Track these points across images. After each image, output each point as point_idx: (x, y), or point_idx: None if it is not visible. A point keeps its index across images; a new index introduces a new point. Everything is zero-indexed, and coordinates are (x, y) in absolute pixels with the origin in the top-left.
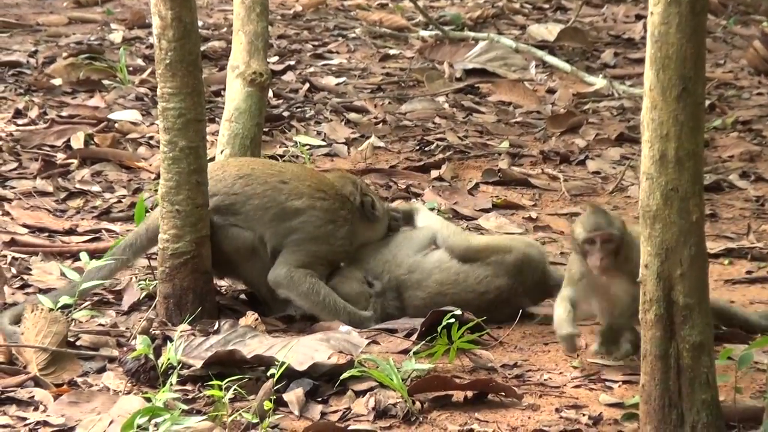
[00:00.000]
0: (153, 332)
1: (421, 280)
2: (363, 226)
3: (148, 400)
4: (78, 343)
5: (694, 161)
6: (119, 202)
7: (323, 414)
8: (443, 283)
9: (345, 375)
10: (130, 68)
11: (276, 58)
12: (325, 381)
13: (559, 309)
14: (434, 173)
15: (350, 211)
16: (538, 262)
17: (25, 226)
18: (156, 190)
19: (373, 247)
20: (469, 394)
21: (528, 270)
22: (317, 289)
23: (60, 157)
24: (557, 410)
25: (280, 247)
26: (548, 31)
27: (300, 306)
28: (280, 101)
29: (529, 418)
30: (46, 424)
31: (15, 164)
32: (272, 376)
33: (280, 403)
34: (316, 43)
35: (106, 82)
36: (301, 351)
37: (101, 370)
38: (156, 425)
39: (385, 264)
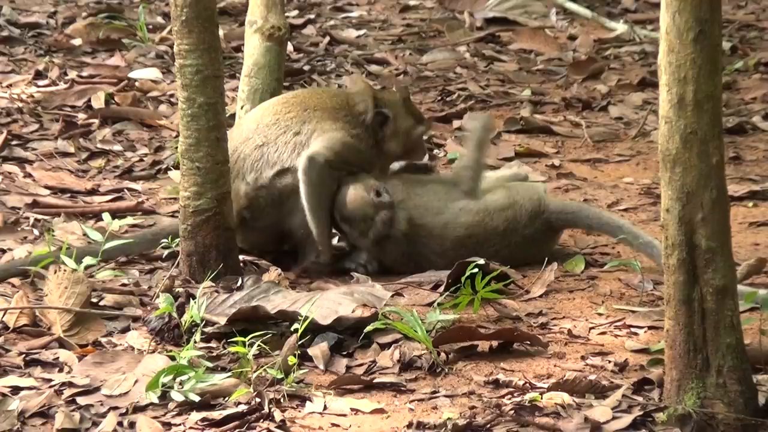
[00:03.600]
0: (176, 290)
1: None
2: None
3: (173, 358)
4: (101, 303)
5: (713, 104)
6: (141, 161)
7: (348, 367)
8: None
9: (369, 328)
10: (150, 26)
11: (296, 12)
12: (349, 334)
13: None
14: (456, 123)
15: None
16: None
17: (47, 187)
18: (177, 148)
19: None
20: (494, 343)
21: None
22: (321, 200)
23: (81, 117)
24: (583, 358)
25: None
26: None
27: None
28: (301, 55)
29: (554, 366)
30: (71, 384)
31: (36, 126)
32: (296, 330)
33: (304, 358)
34: None
35: (125, 41)
36: (325, 305)
37: (125, 330)
38: (181, 383)
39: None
